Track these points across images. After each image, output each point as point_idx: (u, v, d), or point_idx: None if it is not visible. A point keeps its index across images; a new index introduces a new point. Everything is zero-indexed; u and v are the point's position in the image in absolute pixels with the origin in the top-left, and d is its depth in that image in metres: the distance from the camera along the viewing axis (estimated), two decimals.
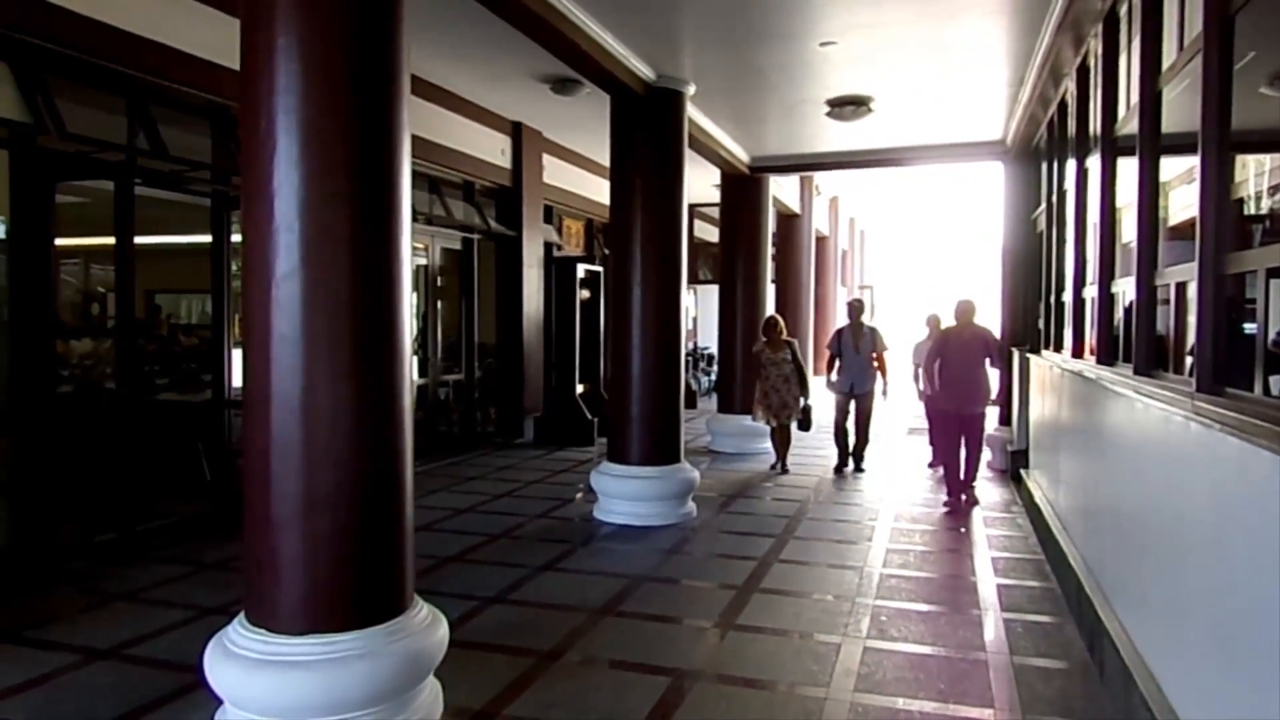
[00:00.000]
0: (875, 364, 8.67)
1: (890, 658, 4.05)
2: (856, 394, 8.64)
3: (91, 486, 5.47)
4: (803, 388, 8.67)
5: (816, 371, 11.59)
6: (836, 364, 8.76)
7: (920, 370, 8.67)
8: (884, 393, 9.03)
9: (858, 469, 8.76)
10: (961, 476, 7.28)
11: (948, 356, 7.20)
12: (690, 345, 15.52)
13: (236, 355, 6.32)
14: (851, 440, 8.79)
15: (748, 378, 9.29)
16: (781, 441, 8.88)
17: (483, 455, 9.58)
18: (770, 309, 11.78)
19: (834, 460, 8.95)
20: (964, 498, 7.26)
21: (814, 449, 9.83)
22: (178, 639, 4.15)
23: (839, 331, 8.95)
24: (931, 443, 8.83)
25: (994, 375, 7.61)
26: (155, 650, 4.04)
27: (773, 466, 8.90)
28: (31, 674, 3.74)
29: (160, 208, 6.55)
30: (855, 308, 9.04)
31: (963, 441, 7.23)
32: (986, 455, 8.09)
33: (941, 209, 20.36)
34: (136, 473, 5.68)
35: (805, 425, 8.75)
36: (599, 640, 4.26)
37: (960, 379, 7.15)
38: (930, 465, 8.93)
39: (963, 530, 6.57)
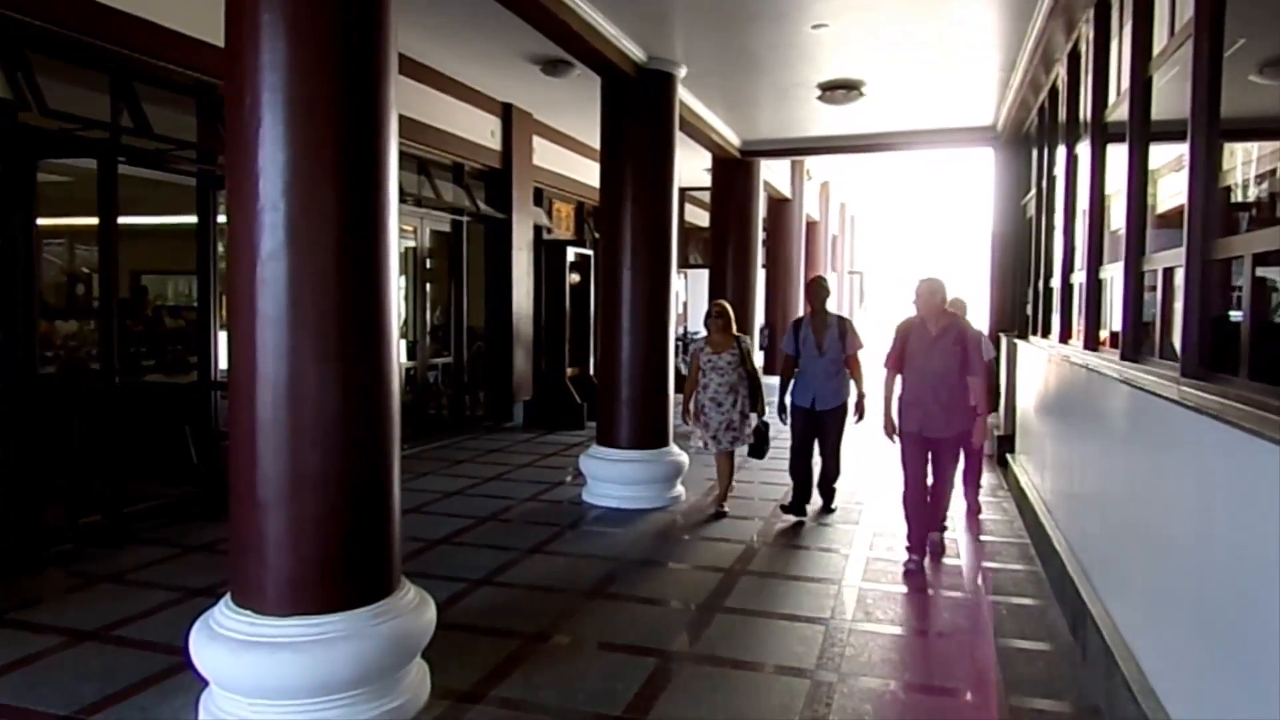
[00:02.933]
0: (847, 369, 6.22)
1: (876, 639, 4.07)
2: (819, 410, 6.17)
3: (78, 469, 5.44)
4: (755, 400, 6.36)
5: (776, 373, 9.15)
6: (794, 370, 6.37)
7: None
8: (858, 412, 6.18)
9: (826, 508, 6.41)
10: (936, 517, 5.39)
11: (910, 359, 5.13)
12: (680, 330, 15.53)
13: (223, 337, 6.28)
14: (817, 472, 6.41)
15: (684, 389, 6.57)
16: (722, 472, 6.45)
17: (472, 439, 9.57)
18: (760, 294, 11.76)
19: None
20: (929, 548, 5.27)
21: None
22: (164, 620, 4.14)
23: (795, 323, 6.43)
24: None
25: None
26: (141, 632, 4.03)
27: (718, 507, 6.39)
28: (17, 655, 3.73)
29: (145, 187, 6.48)
30: (816, 290, 6.44)
31: (929, 473, 5.22)
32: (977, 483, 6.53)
33: (932, 194, 20.38)
34: (123, 455, 5.65)
35: (759, 450, 6.49)
36: (587, 622, 4.27)
37: (926, 389, 5.06)
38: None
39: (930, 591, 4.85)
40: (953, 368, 5.05)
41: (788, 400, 6.43)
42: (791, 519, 6.20)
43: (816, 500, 6.45)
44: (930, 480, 5.22)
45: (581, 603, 4.52)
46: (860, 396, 6.19)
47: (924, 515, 5.16)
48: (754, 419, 6.40)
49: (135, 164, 5.95)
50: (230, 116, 3.06)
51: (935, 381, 5.06)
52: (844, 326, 6.28)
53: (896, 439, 5.22)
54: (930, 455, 5.16)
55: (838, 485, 6.53)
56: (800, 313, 16.24)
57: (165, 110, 6.00)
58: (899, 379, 5.21)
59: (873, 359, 6.07)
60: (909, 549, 5.14)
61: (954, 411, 5.09)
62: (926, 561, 5.18)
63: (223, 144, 3.31)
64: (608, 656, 3.87)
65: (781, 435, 6.64)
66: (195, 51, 5.69)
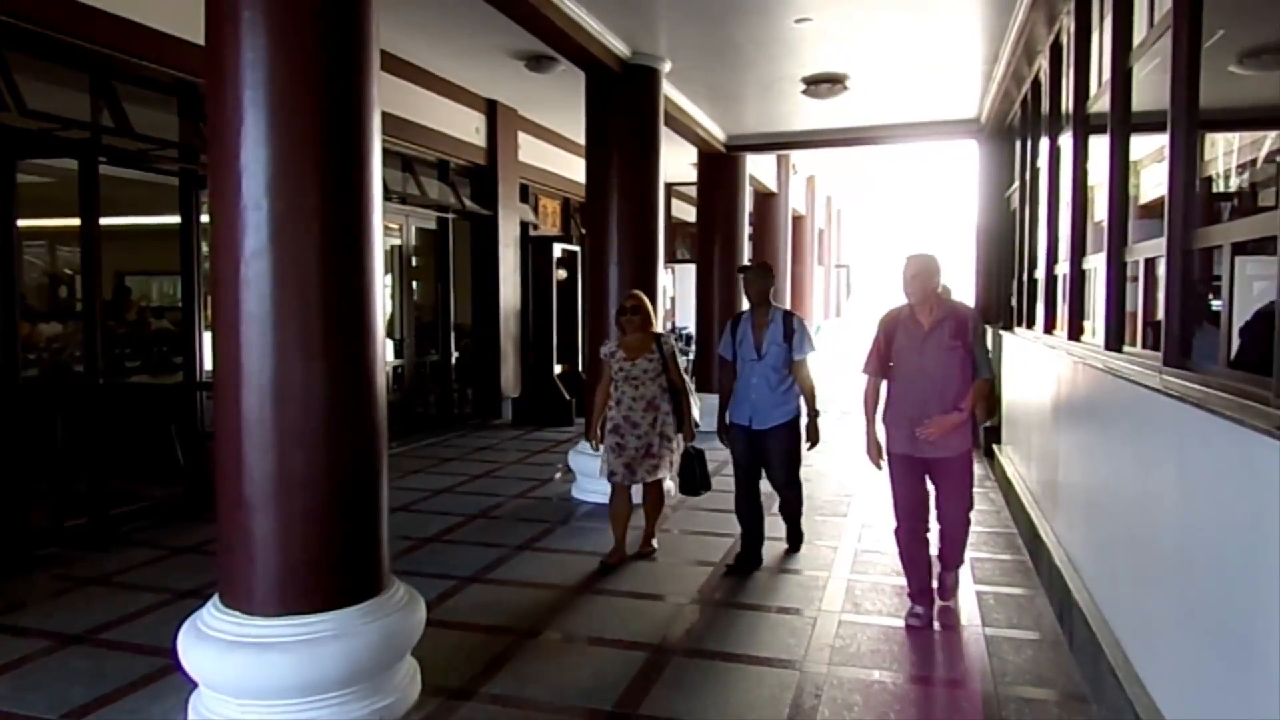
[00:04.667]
0: (795, 380, 4.93)
1: (864, 630, 4.10)
2: (759, 430, 4.92)
3: (62, 471, 5.40)
4: (682, 419, 5.02)
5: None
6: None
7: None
8: (809, 436, 4.95)
9: (792, 547, 5.27)
10: (937, 564, 4.33)
11: (897, 360, 4.11)
12: (669, 325, 15.57)
13: (208, 337, 6.24)
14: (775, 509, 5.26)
15: (590, 399, 5.49)
16: (649, 509, 5.17)
17: (460, 436, 9.56)
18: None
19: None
20: (941, 589, 4.32)
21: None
22: (152, 622, 4.12)
23: (733, 320, 5.15)
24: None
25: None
26: (129, 634, 4.01)
27: (608, 559, 5.00)
28: (3, 659, 3.70)
29: (127, 187, 6.43)
30: (754, 276, 5.02)
31: (933, 505, 4.18)
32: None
33: (917, 188, 20.46)
34: (108, 457, 5.61)
35: (690, 483, 5.12)
36: (577, 618, 4.28)
37: (917, 398, 4.03)
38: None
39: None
40: (951, 370, 3.97)
41: (728, 418, 5.05)
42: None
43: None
44: (935, 512, 4.18)
45: (571, 598, 4.53)
46: (812, 415, 4.92)
47: (925, 556, 4.16)
48: (679, 443, 5.04)
49: (117, 164, 5.90)
50: (212, 115, 3.04)
51: (929, 388, 3.98)
52: (790, 324, 4.91)
53: (884, 464, 4.19)
54: (930, 481, 4.12)
55: (804, 524, 5.36)
56: (789, 307, 16.37)
57: (146, 110, 5.96)
58: (883, 386, 4.18)
59: (856, 361, 4.68)
60: (911, 597, 4.16)
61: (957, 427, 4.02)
62: (937, 607, 4.22)
63: (205, 143, 3.29)
64: (598, 651, 3.88)
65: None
66: (176, 50, 5.64)
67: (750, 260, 5.55)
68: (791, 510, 5.25)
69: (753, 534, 5.01)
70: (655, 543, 5.26)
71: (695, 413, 5.09)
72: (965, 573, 4.65)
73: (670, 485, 5.48)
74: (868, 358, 4.25)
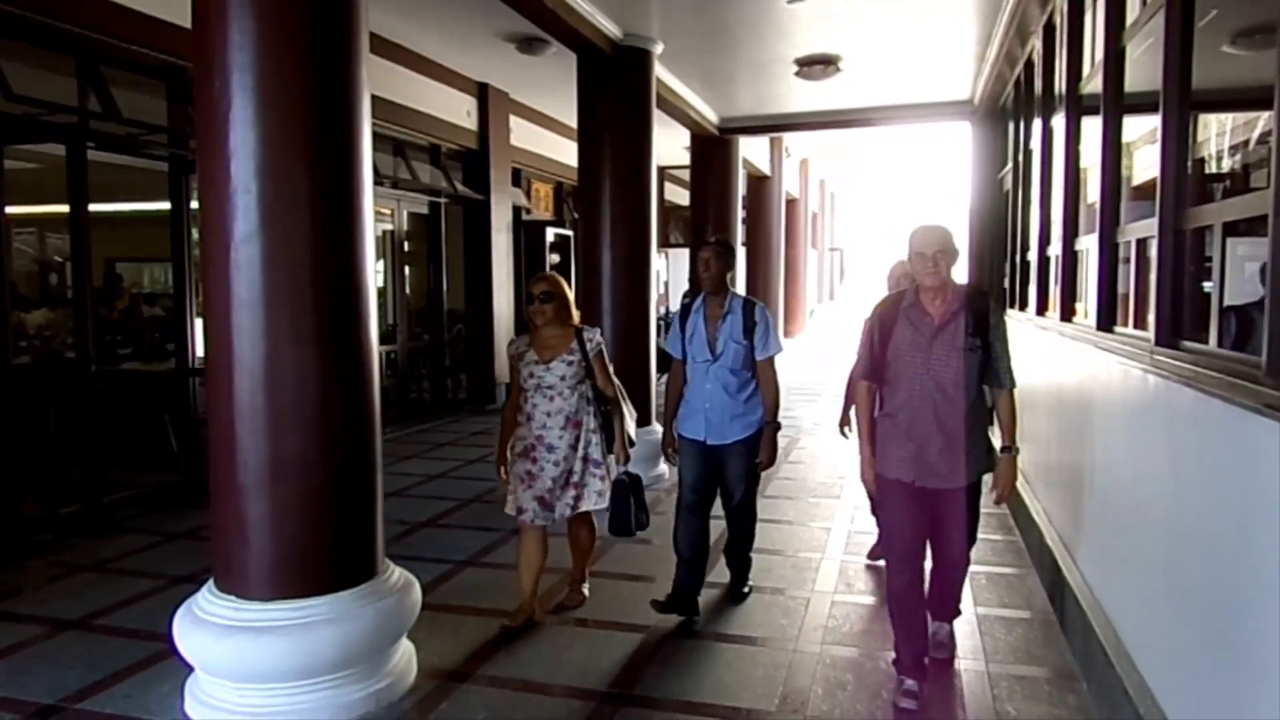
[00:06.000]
0: (757, 384, 4.02)
1: (857, 610, 4.13)
2: (714, 446, 4.00)
3: (55, 459, 5.38)
4: (614, 436, 3.94)
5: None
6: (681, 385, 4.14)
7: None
8: (764, 452, 4.01)
9: (736, 591, 4.28)
10: (930, 615, 3.51)
11: (895, 364, 3.21)
12: (662, 309, 15.57)
13: (200, 324, 6.22)
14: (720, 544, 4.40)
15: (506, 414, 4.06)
16: (578, 546, 4.15)
17: (454, 421, 9.55)
18: (741, 273, 11.71)
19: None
20: (937, 644, 3.57)
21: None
22: (147, 608, 4.13)
23: (681, 312, 4.23)
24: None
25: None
26: (125, 620, 4.02)
27: (511, 622, 3.86)
28: None
29: (117, 173, 6.39)
30: (713, 258, 4.01)
31: (930, 545, 3.38)
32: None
33: (911, 170, 20.43)
34: (101, 444, 5.60)
35: (626, 520, 3.91)
36: None
37: (922, 412, 3.16)
38: (871, 556, 4.78)
39: None
40: (968, 377, 3.12)
41: (676, 429, 4.15)
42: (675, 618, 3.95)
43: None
44: (929, 556, 3.39)
45: (566, 581, 4.54)
46: (771, 428, 4.00)
47: (920, 615, 3.30)
48: (612, 466, 3.94)
49: (105, 149, 5.86)
50: (200, 98, 3.02)
51: (940, 399, 3.11)
52: (752, 315, 3.98)
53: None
54: (931, 517, 3.26)
55: (754, 558, 4.38)
56: (782, 292, 16.39)
57: (134, 94, 5.91)
58: (875, 397, 3.36)
59: (842, 361, 4.34)
60: (897, 667, 3.29)
61: (968, 448, 3.16)
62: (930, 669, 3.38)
63: (194, 127, 3.25)
64: (593, 633, 3.89)
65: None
66: (163, 34, 5.59)
67: (715, 237, 4.47)
68: (742, 545, 4.28)
69: (693, 570, 4.00)
70: (587, 589, 4.18)
71: (630, 427, 4.03)
72: None
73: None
74: (858, 361, 3.47)
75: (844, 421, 4.80)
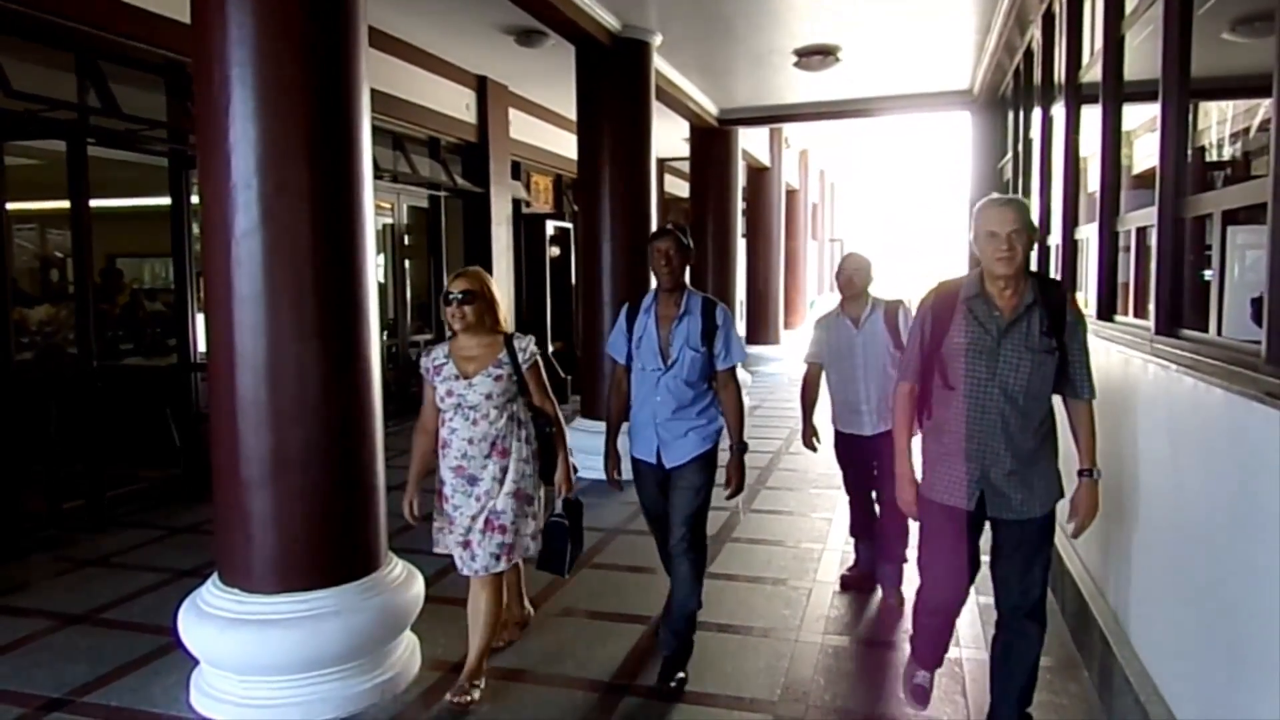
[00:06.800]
0: (714, 395, 3.44)
1: (858, 601, 4.14)
2: (672, 468, 3.36)
3: (57, 454, 5.40)
4: (550, 461, 3.32)
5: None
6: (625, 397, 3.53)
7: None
8: (730, 478, 3.38)
9: (667, 675, 3.31)
10: None
11: (955, 367, 2.67)
12: None
13: (201, 318, 6.23)
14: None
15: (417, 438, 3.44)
16: (482, 613, 3.23)
17: None
18: (741, 264, 11.72)
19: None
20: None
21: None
22: (151, 602, 4.14)
23: (628, 311, 3.51)
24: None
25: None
26: (129, 614, 4.03)
27: (455, 697, 3.13)
28: (4, 640, 3.73)
29: (117, 169, 6.38)
30: (672, 251, 3.34)
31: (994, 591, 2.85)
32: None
33: (911, 160, 20.39)
34: (103, 439, 5.61)
35: (558, 557, 3.32)
36: (576, 592, 4.31)
37: (994, 427, 2.62)
38: (845, 585, 4.30)
39: None
40: (1043, 387, 2.60)
41: (622, 447, 3.49)
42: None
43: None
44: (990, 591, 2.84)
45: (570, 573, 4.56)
46: (738, 449, 3.37)
47: (949, 631, 3.01)
48: (553, 497, 3.35)
49: (105, 145, 5.85)
50: (199, 94, 3.02)
51: (1007, 411, 2.58)
52: (713, 317, 3.35)
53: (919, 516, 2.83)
54: (993, 551, 2.75)
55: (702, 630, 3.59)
56: (782, 283, 16.37)
57: (134, 90, 5.90)
58: (921, 407, 2.79)
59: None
60: (917, 662, 3.07)
61: (1042, 469, 2.66)
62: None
63: (193, 123, 3.24)
64: (597, 625, 3.91)
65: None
66: (162, 29, 5.57)
67: (670, 223, 3.63)
68: (684, 608, 3.37)
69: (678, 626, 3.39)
70: (482, 683, 3.21)
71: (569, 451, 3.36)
72: None
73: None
74: (905, 363, 2.85)
75: (809, 432, 4.31)
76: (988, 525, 2.75)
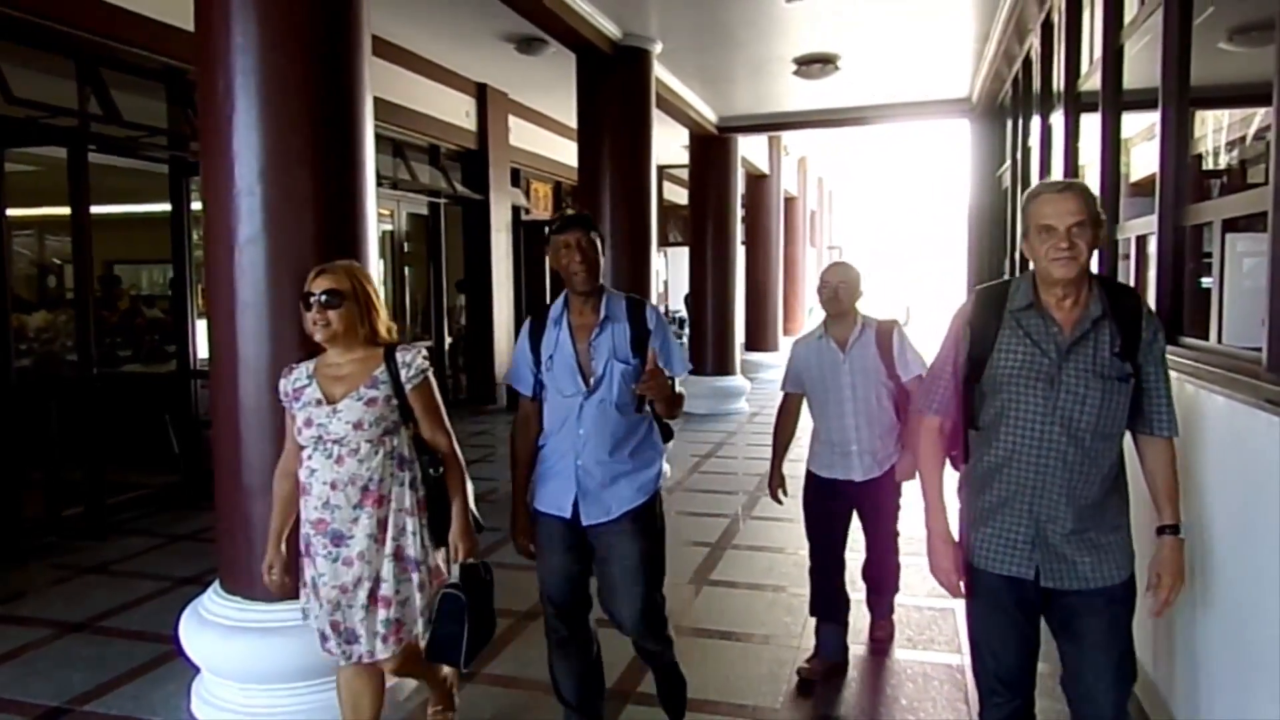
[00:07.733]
0: (651, 426, 2.74)
1: (860, 607, 4.13)
2: (592, 526, 2.63)
3: (57, 461, 5.39)
4: (442, 517, 2.57)
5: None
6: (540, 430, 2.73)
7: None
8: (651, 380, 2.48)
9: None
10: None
11: (998, 397, 2.06)
12: (662, 308, 15.51)
13: (201, 325, 6.23)
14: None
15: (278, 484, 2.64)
16: (374, 703, 2.56)
17: (455, 422, 9.50)
18: (740, 271, 11.75)
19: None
20: None
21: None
22: (151, 610, 4.14)
23: (531, 325, 2.77)
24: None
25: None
26: (130, 622, 4.03)
27: None
28: (4, 648, 3.72)
29: (117, 176, 6.39)
30: (584, 245, 2.58)
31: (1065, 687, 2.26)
32: None
33: (909, 168, 20.45)
34: (103, 446, 5.60)
35: (454, 649, 2.52)
36: None
37: (1056, 474, 2.02)
38: (806, 674, 3.41)
39: None
40: (1115, 424, 2.03)
41: (529, 502, 2.76)
42: None
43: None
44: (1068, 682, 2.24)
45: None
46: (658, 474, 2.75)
47: None
48: (444, 565, 2.63)
49: (105, 152, 5.86)
50: (203, 101, 3.03)
51: (1070, 453, 2.02)
52: (644, 321, 2.68)
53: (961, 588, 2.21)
54: (1057, 635, 2.20)
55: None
56: (781, 290, 16.43)
57: (135, 97, 5.91)
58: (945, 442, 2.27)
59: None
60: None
61: (1114, 525, 2.09)
62: None
63: (194, 129, 3.26)
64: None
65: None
66: (164, 36, 5.58)
67: (572, 211, 3.32)
68: (673, 695, 2.93)
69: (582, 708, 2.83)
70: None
71: (471, 502, 2.68)
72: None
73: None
74: (928, 392, 2.25)
75: (777, 480, 3.63)
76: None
